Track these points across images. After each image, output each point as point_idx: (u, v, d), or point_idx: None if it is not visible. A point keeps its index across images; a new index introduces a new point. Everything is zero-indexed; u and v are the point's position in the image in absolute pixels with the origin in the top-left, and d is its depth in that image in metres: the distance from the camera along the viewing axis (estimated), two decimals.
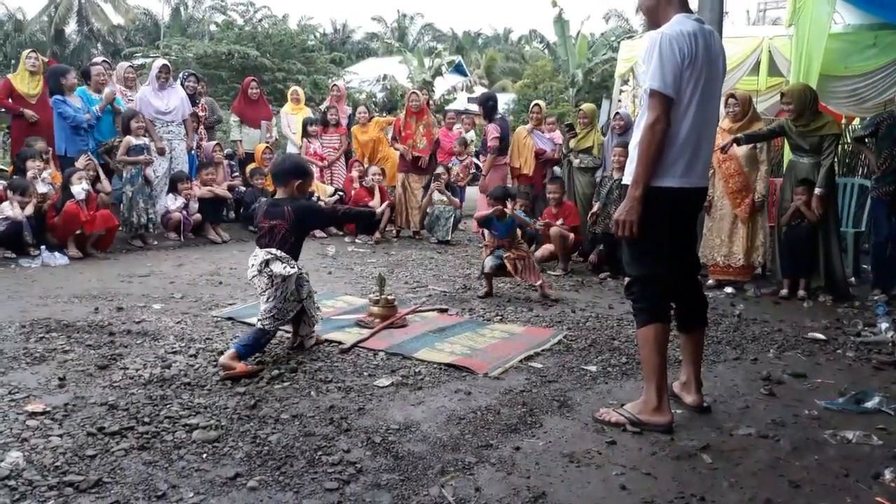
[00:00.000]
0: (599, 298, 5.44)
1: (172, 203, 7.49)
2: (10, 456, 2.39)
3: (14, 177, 6.41)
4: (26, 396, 2.95)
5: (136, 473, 2.34)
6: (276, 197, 3.78)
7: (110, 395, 3.00)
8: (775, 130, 5.66)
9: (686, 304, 3.06)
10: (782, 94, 5.77)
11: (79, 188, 6.33)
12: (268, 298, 3.53)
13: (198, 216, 7.68)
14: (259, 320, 3.55)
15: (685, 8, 2.88)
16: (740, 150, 5.75)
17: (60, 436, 2.59)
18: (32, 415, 2.75)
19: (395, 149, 8.65)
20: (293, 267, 3.53)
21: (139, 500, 2.17)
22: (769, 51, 8.48)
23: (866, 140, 5.87)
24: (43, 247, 6.20)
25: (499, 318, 4.69)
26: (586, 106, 7.73)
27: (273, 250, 3.55)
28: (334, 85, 9.92)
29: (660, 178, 2.79)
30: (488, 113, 8.15)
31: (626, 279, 3.05)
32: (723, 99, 6.04)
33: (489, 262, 5.36)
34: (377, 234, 8.11)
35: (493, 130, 7.93)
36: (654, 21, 2.91)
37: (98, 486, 2.24)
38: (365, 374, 3.44)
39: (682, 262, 3.01)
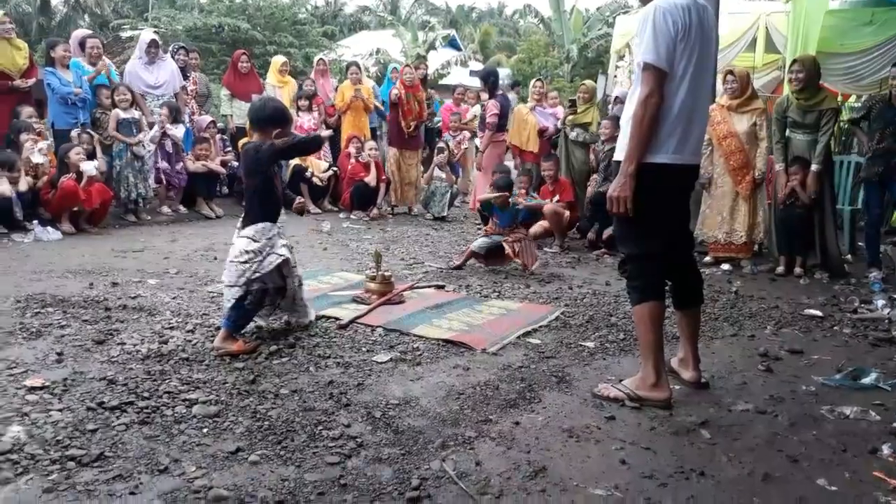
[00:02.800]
0: (596, 275, 5.44)
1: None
2: (11, 430, 2.38)
3: (8, 150, 6.31)
4: (24, 371, 2.94)
5: (137, 448, 2.34)
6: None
7: (109, 370, 2.99)
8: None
9: (682, 281, 3.05)
10: (794, 61, 5.73)
11: (90, 166, 6.28)
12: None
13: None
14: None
15: None
16: (741, 127, 5.73)
17: (60, 410, 2.58)
18: (32, 389, 2.74)
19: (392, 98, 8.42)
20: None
21: (142, 474, 2.17)
22: (766, 27, 8.44)
23: (860, 124, 5.86)
24: (35, 222, 6.14)
25: (496, 294, 4.69)
26: (588, 83, 7.71)
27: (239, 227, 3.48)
28: (319, 59, 9.77)
29: (652, 153, 2.76)
30: (490, 89, 8.08)
31: (620, 256, 3.04)
32: (720, 76, 6.02)
33: (479, 242, 5.42)
34: (374, 210, 8.07)
35: (492, 107, 7.88)
36: None
37: (100, 460, 2.24)
38: (363, 349, 3.44)
39: (675, 240, 3.00)
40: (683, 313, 3.10)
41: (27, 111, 6.77)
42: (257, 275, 3.38)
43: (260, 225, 3.41)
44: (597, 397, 2.92)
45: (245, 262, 3.34)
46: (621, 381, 2.98)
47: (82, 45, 7.52)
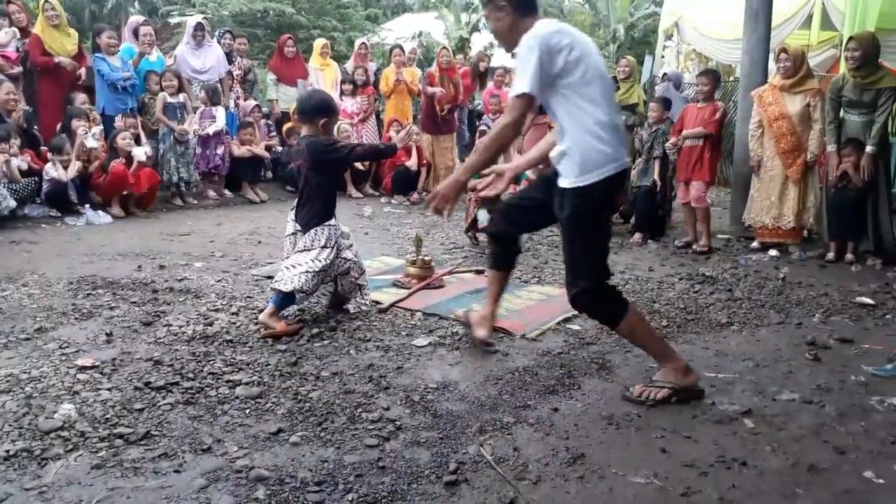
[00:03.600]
0: (639, 261, 5.36)
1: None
2: (62, 408, 2.47)
3: (62, 135, 6.51)
4: (76, 351, 3.04)
5: (182, 427, 2.40)
6: (301, 135, 3.69)
7: (155, 351, 3.07)
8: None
9: (508, 248, 3.19)
10: (850, 39, 5.52)
11: (141, 151, 6.44)
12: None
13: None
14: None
15: (537, 14, 2.80)
16: (793, 109, 5.55)
17: (109, 389, 2.66)
18: (82, 369, 2.84)
19: (427, 93, 8.43)
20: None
21: (186, 453, 2.23)
22: (822, 3, 8.13)
23: None
24: (87, 205, 6.33)
25: (536, 279, 4.66)
26: (628, 58, 7.58)
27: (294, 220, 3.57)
28: (362, 43, 9.77)
29: (601, 167, 2.64)
30: None
31: (574, 292, 2.75)
32: (773, 54, 5.83)
33: (482, 218, 5.30)
34: (415, 195, 8.07)
35: None
36: (513, 41, 2.76)
37: (147, 439, 2.31)
38: (403, 333, 3.47)
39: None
40: (498, 275, 3.22)
41: (80, 98, 6.95)
42: (326, 280, 3.55)
43: (331, 231, 3.51)
44: (637, 401, 2.74)
45: (318, 271, 3.42)
46: (652, 380, 2.84)
47: (136, 32, 7.67)
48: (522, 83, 2.60)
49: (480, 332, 3.22)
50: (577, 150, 2.65)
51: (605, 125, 2.64)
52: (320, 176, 3.52)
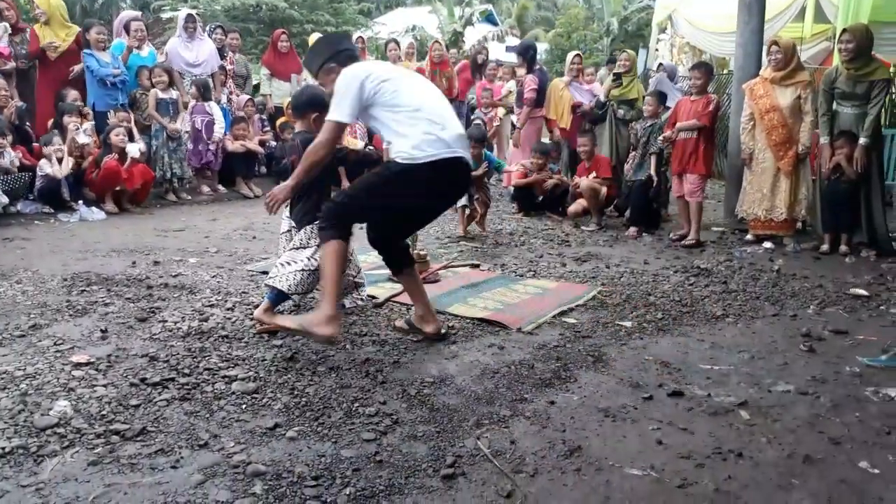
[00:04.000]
0: (634, 254, 5.37)
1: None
2: (58, 405, 2.46)
3: (53, 130, 6.48)
4: (71, 348, 3.03)
5: (178, 423, 2.40)
6: (295, 130, 3.72)
7: (151, 347, 3.06)
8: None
9: (395, 253, 3.34)
10: (844, 31, 5.52)
11: (135, 148, 6.41)
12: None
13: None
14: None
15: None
16: (784, 101, 5.56)
17: (105, 386, 2.65)
18: (77, 365, 2.83)
19: None
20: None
21: (182, 449, 2.23)
22: None
23: None
24: (81, 202, 6.31)
25: (531, 273, 4.66)
26: (628, 52, 7.60)
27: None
28: (359, 37, 9.72)
29: (428, 151, 2.95)
30: (528, 64, 7.98)
31: (328, 209, 3.09)
32: (765, 47, 5.84)
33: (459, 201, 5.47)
34: None
35: (531, 82, 7.77)
36: None
37: (143, 435, 2.30)
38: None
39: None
40: (409, 270, 3.34)
41: (72, 94, 6.90)
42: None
43: None
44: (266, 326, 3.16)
45: (313, 270, 3.37)
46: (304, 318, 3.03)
47: (127, 27, 7.62)
48: (333, 111, 3.02)
49: (429, 329, 3.29)
50: (401, 145, 2.98)
51: (430, 130, 2.97)
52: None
